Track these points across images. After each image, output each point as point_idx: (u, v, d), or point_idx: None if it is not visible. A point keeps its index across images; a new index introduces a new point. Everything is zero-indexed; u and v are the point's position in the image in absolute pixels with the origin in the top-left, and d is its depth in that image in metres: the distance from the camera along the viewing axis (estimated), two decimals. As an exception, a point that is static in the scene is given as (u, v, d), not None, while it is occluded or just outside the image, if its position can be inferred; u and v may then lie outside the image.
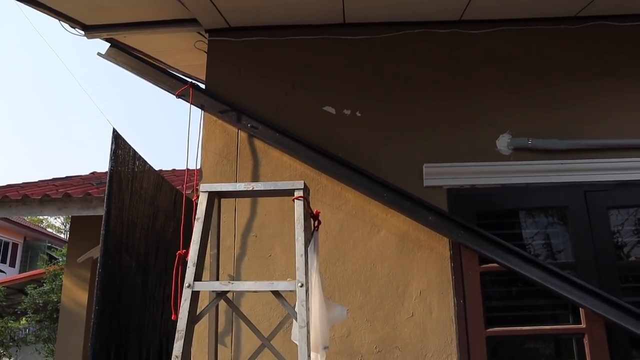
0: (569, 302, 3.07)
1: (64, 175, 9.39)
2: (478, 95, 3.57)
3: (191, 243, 2.21)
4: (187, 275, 2.16)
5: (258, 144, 3.56)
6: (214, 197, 2.40)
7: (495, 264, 3.14)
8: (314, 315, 2.18)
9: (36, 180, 8.87)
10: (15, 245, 26.30)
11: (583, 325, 3.12)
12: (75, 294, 7.49)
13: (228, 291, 2.25)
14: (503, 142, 3.45)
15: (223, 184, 2.42)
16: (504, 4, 3.48)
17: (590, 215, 3.33)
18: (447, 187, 3.42)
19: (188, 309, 2.11)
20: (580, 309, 3.11)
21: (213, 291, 2.55)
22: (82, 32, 3.93)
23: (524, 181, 3.40)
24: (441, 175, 3.41)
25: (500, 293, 3.45)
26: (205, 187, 2.33)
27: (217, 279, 3.24)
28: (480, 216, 3.37)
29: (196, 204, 2.32)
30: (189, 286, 2.14)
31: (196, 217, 2.26)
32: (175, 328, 2.12)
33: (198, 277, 2.18)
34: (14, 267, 25.34)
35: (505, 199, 3.44)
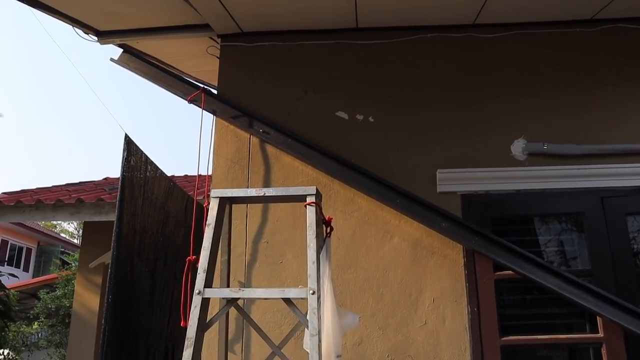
0: (586, 310, 3.01)
1: (77, 181, 9.45)
2: (492, 99, 3.53)
3: (202, 249, 2.19)
4: (197, 281, 2.13)
5: (270, 149, 3.54)
6: (225, 203, 2.38)
7: (510, 272, 3.08)
8: (325, 323, 2.14)
9: (50, 185, 8.93)
10: (29, 250, 26.52)
11: (601, 335, 3.05)
12: (87, 299, 7.51)
13: (238, 298, 2.22)
14: (518, 148, 3.40)
15: (234, 189, 2.39)
16: (518, 8, 3.44)
17: (607, 222, 3.27)
18: (461, 193, 3.37)
19: (198, 316, 2.08)
20: (597, 317, 3.05)
21: (223, 298, 2.52)
22: (96, 38, 3.95)
23: (540, 187, 3.34)
24: (455, 181, 3.37)
25: (515, 301, 3.39)
26: (216, 192, 2.31)
27: (228, 286, 3.22)
28: (494, 222, 3.32)
29: (207, 210, 2.30)
30: (199, 293, 2.11)
31: (207, 223, 2.24)
32: (182, 334, 2.09)
33: (208, 283, 2.16)
34: (27, 271, 25.53)
35: (521, 205, 3.39)
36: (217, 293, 2.25)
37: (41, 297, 11.51)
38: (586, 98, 3.48)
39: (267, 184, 3.47)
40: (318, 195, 2.28)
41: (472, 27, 3.63)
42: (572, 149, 3.34)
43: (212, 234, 2.21)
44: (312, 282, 2.07)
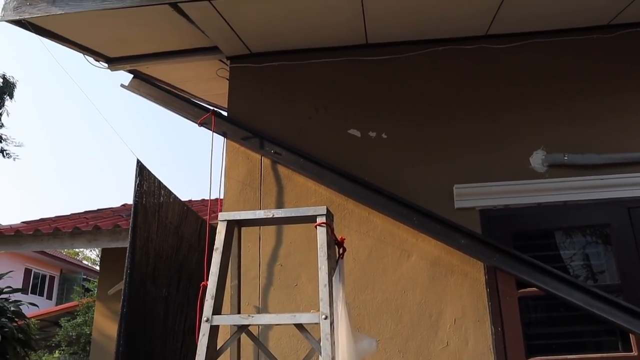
0: (617, 327, 2.87)
1: (96, 208, 9.52)
2: (509, 111, 3.43)
3: (209, 275, 2.12)
4: (205, 308, 2.06)
5: (282, 170, 3.48)
6: (234, 226, 2.31)
7: (534, 288, 2.96)
8: (341, 348, 2.05)
9: (69, 213, 9.00)
10: (52, 278, 26.71)
11: (634, 353, 2.90)
12: (106, 327, 7.47)
13: (248, 325, 2.14)
14: (537, 159, 3.29)
15: (242, 212, 2.33)
16: (531, 16, 3.35)
17: (635, 233, 3.14)
18: (479, 208, 3.26)
19: (206, 344, 2.00)
20: (629, 334, 2.90)
21: (233, 325, 2.43)
22: (106, 65, 3.95)
23: (562, 199, 3.22)
24: (473, 196, 3.27)
25: (540, 319, 3.26)
26: (223, 215, 2.24)
27: (239, 312, 3.12)
28: (516, 238, 3.21)
29: (217, 234, 2.23)
30: (207, 320, 2.04)
31: (215, 247, 2.17)
32: None
33: (217, 310, 2.08)
34: (50, 299, 25.68)
35: (542, 219, 3.27)
36: (226, 320, 2.18)
37: (62, 324, 11.53)
38: (606, 105, 3.37)
39: (279, 205, 3.40)
40: (329, 215, 2.20)
41: (485, 38, 3.55)
42: (594, 159, 3.23)
43: (220, 259, 2.14)
44: (324, 307, 1.98)
